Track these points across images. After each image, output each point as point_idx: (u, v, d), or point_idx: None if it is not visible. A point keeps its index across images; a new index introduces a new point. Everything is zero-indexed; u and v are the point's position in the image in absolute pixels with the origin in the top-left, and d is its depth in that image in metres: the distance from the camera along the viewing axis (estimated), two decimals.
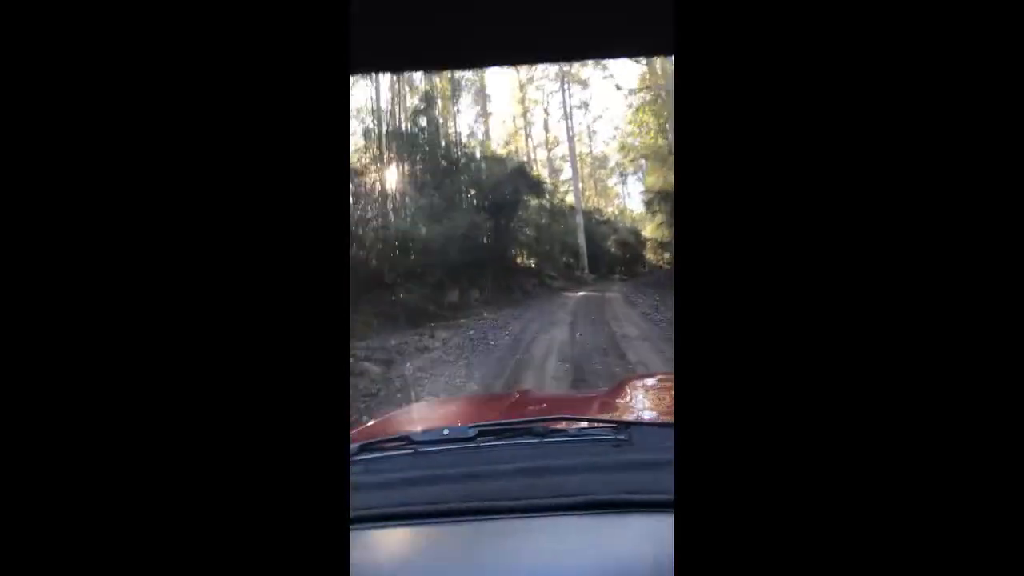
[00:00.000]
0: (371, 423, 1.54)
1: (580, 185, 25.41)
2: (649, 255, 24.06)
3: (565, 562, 0.63)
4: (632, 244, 24.31)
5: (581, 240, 21.44)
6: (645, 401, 1.55)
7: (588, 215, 23.16)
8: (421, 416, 1.75)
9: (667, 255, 23.36)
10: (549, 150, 24.76)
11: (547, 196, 19.33)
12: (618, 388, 1.74)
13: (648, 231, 24.42)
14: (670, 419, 1.01)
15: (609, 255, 22.97)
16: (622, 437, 0.90)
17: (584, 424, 1.06)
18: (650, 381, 1.86)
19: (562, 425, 1.02)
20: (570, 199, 23.15)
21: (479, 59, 0.40)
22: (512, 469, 0.83)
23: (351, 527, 0.50)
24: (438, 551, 0.71)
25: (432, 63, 0.41)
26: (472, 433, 0.95)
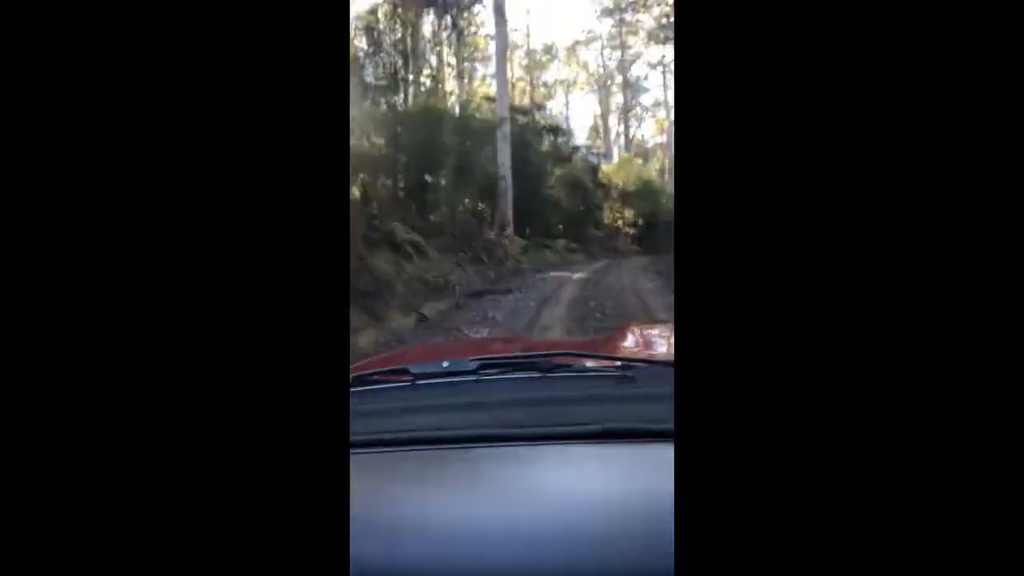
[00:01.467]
0: (367, 360, 1.46)
1: (509, 74, 15.34)
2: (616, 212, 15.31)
3: (574, 487, 0.62)
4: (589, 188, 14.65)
5: (505, 173, 11.20)
6: (646, 344, 1.51)
7: (518, 127, 12.90)
8: (420, 354, 1.71)
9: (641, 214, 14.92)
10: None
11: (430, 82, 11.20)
12: (618, 333, 1.77)
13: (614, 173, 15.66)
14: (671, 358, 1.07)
15: (551, 205, 13.21)
16: (627, 374, 0.90)
17: (588, 362, 1.02)
18: (650, 328, 1.93)
19: (566, 360, 0.99)
20: (484, 91, 13.22)
21: None
22: (515, 399, 0.82)
23: (355, 452, 0.52)
24: (440, 475, 0.69)
25: None
26: (473, 366, 0.93)
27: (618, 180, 16.78)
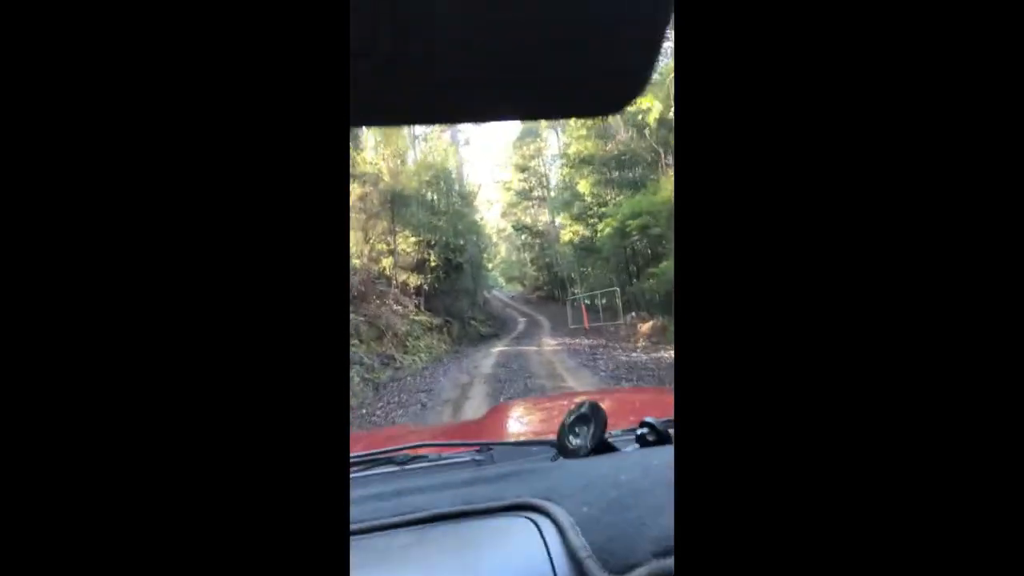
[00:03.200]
0: None
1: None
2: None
3: (432, 570, 0.61)
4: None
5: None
6: (514, 423, 1.64)
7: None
8: None
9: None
10: None
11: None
12: (489, 415, 1.90)
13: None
14: (531, 437, 1.18)
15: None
16: (480, 458, 0.97)
17: (446, 450, 1.08)
18: (519, 407, 2.02)
19: (423, 451, 1.06)
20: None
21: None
22: (370, 495, 0.81)
23: None
24: None
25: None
26: None
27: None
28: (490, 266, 32.96)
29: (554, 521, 0.54)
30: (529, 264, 31.44)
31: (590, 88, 0.37)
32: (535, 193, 27.92)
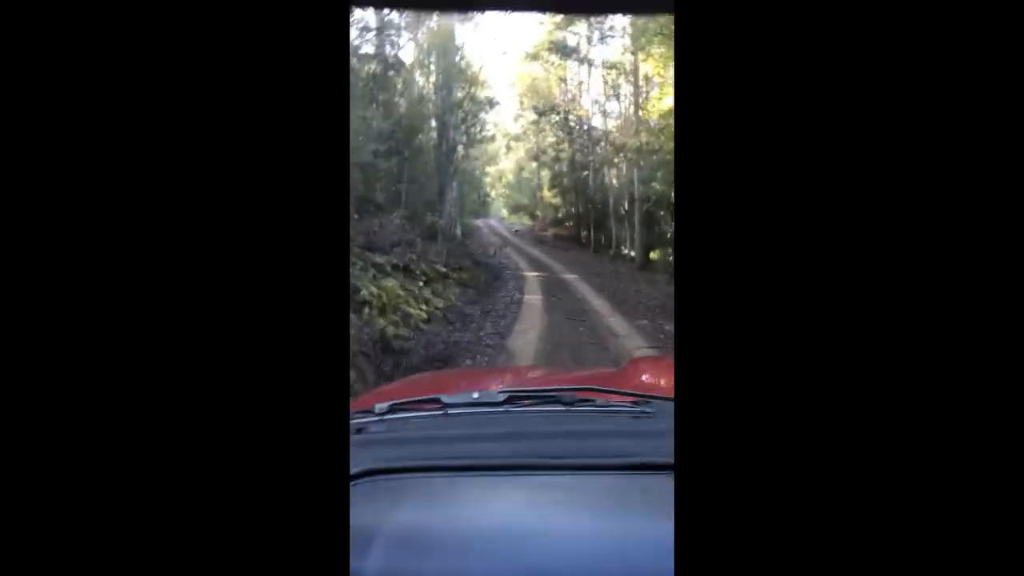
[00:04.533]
0: (395, 385, 1.68)
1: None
2: None
3: (594, 517, 0.64)
4: None
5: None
6: (658, 377, 1.53)
7: None
8: (445, 382, 1.77)
9: None
10: None
11: None
12: (631, 367, 1.93)
13: None
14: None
15: None
16: (649, 410, 0.94)
17: (612, 396, 1.06)
18: (660, 361, 1.97)
19: (589, 395, 1.03)
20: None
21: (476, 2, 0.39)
22: (542, 432, 0.85)
23: (385, 478, 0.64)
24: (469, 501, 0.71)
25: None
26: (502, 398, 0.98)
27: None
28: (488, 184, 22.87)
29: None
30: (547, 186, 20.47)
31: None
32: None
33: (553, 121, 17.11)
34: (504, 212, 26.70)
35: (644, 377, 1.57)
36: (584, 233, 17.00)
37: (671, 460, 0.58)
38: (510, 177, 25.67)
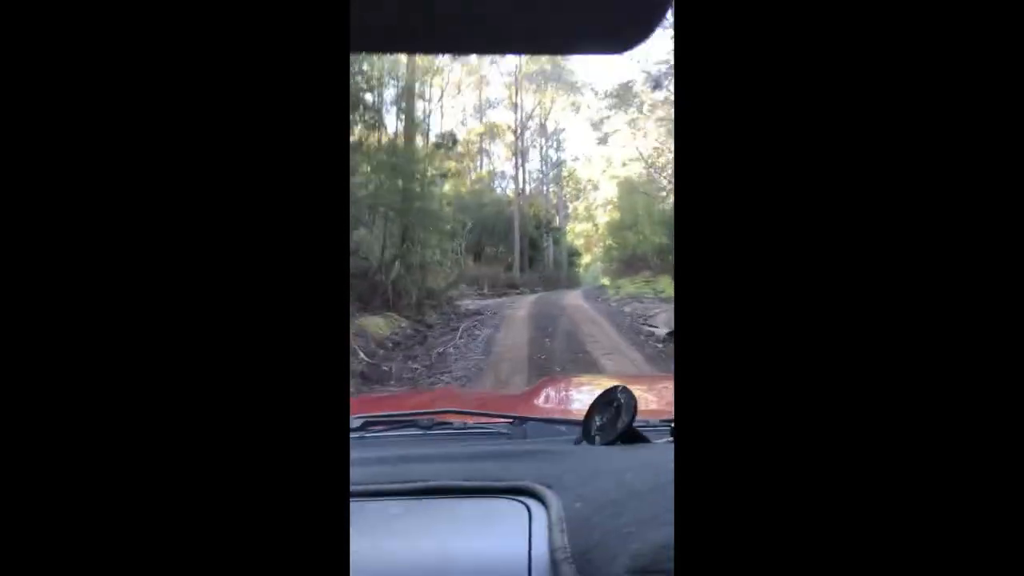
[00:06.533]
0: None
1: None
2: None
3: (410, 544, 0.63)
4: None
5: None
6: (555, 399, 1.58)
7: None
8: None
9: None
10: None
11: None
12: (537, 388, 1.92)
13: None
14: (569, 416, 1.05)
15: None
16: (507, 431, 0.97)
17: (468, 419, 1.09)
18: (567, 382, 2.02)
19: (450, 417, 1.07)
20: None
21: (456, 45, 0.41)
22: (393, 456, 0.83)
23: None
24: None
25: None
26: (357, 423, 1.01)
27: None
28: None
29: (547, 513, 0.54)
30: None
31: (599, 24, 0.36)
32: None
33: None
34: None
35: (545, 397, 1.58)
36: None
37: (517, 483, 0.60)
38: None
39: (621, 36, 0.36)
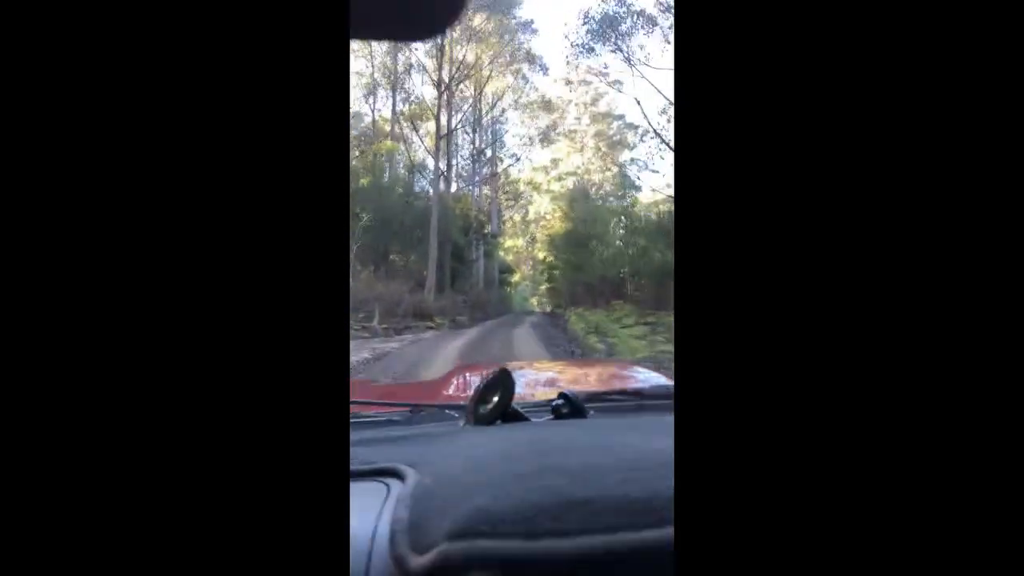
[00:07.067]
0: None
1: None
2: None
3: None
4: None
5: None
6: (463, 386, 1.62)
7: None
8: None
9: None
10: None
11: None
12: (448, 376, 1.91)
13: None
14: (463, 400, 1.07)
15: None
16: (399, 419, 1.00)
17: (371, 408, 1.11)
18: (481, 370, 1.95)
19: (354, 409, 1.08)
20: None
21: None
22: None
23: None
24: None
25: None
26: None
27: None
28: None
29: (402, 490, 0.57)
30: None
31: (402, 10, 0.36)
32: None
33: None
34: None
35: (455, 385, 1.62)
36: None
37: (383, 465, 0.60)
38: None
39: (424, 23, 0.35)
